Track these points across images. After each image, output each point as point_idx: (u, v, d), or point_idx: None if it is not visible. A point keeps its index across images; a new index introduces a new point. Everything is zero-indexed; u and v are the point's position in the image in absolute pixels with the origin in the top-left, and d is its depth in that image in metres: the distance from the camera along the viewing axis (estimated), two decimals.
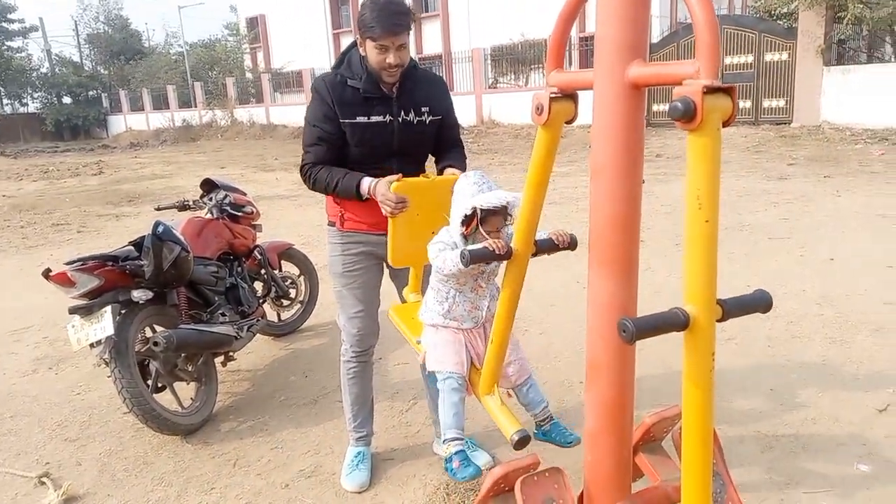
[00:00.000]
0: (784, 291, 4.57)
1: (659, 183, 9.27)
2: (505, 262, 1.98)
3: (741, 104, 15.46)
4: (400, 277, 2.74)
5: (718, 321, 1.42)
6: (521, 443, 1.98)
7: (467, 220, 2.06)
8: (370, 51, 2.34)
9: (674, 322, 1.36)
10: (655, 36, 17.06)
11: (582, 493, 1.75)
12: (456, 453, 2.13)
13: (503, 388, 2.22)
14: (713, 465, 1.66)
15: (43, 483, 2.74)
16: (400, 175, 2.33)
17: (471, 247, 1.96)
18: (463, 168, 2.55)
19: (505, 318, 2.00)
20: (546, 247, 2.03)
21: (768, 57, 14.91)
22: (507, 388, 2.27)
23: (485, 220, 2.04)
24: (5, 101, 39.37)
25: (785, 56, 14.64)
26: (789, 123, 14.50)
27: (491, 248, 1.92)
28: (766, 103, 15.13)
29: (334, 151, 2.45)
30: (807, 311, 4.19)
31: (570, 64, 18.01)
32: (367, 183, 2.35)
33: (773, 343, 3.77)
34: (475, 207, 2.03)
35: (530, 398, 2.25)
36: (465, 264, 1.93)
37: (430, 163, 2.65)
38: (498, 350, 2.06)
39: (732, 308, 1.44)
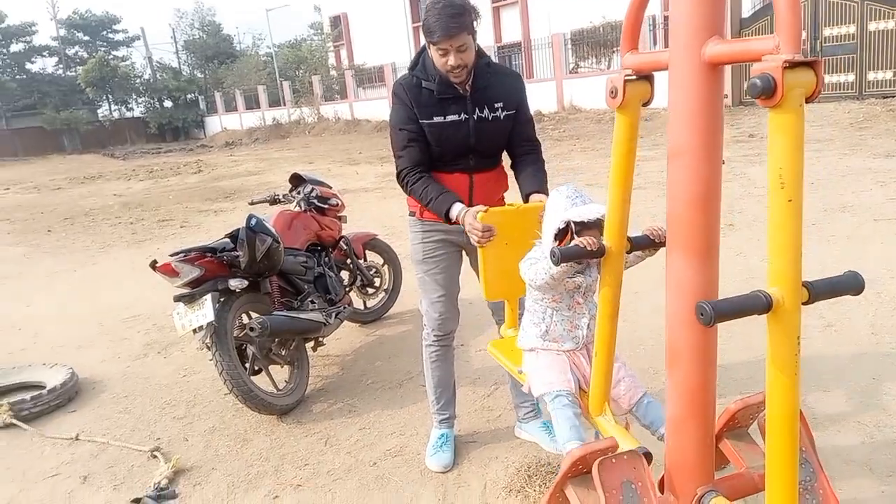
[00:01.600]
0: (891, 276, 4.28)
1: (752, 164, 8.84)
2: (602, 268, 1.89)
3: (843, 78, 14.45)
4: (473, 253, 2.76)
5: (804, 304, 1.38)
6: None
7: (560, 235, 2.00)
8: (434, 54, 2.39)
9: (755, 305, 1.34)
10: (747, 10, 16.19)
11: (662, 478, 1.74)
12: None
13: (620, 416, 2.09)
14: (802, 452, 1.61)
15: (155, 457, 2.98)
16: (486, 207, 2.35)
17: (561, 246, 1.89)
18: (546, 190, 2.51)
19: (607, 324, 1.90)
20: (641, 243, 1.94)
21: (872, 26, 13.83)
22: (624, 415, 2.13)
23: (579, 234, 1.95)
24: (113, 106, 42.28)
25: (891, 24, 13.54)
26: None
27: (582, 245, 1.83)
28: (871, 76, 14.07)
29: (425, 149, 2.50)
30: None
31: (656, 44, 17.39)
32: (455, 210, 2.39)
33: (876, 330, 3.56)
34: (569, 221, 1.97)
35: (651, 417, 2.10)
36: (555, 263, 1.85)
37: (515, 192, 2.63)
38: (604, 362, 1.95)
39: (820, 290, 1.39)
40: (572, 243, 1.88)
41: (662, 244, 1.91)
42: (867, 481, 2.34)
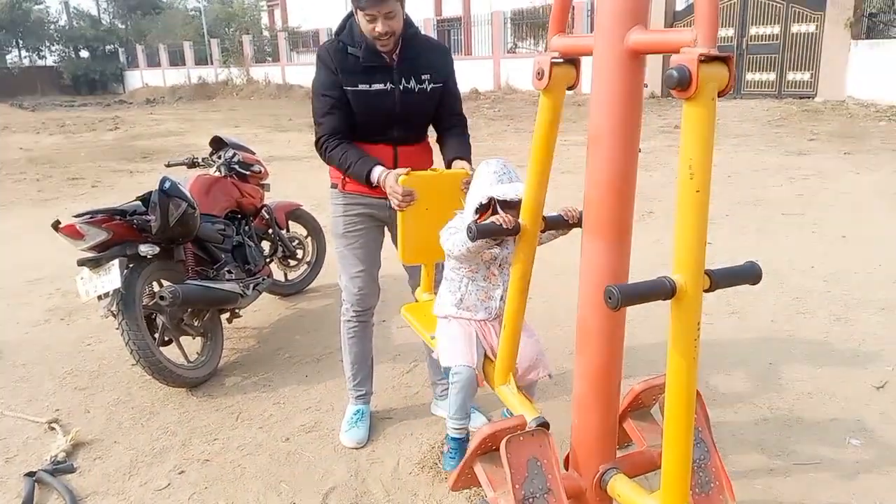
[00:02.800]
0: (792, 267, 4.54)
1: (676, 155, 9.15)
2: (515, 244, 1.94)
3: (765, 77, 15.12)
4: (394, 229, 2.75)
5: (706, 291, 1.43)
6: (521, 416, 1.95)
7: (482, 209, 2.04)
8: (361, 20, 2.34)
9: (660, 290, 1.38)
10: (681, 3, 16.64)
11: (568, 456, 1.79)
12: (452, 440, 2.25)
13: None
14: (697, 431, 1.69)
15: (53, 429, 2.83)
16: (409, 169, 2.32)
17: (478, 222, 1.94)
18: (469, 159, 2.52)
19: (517, 297, 1.97)
20: (555, 223, 2.00)
21: (795, 28, 14.50)
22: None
23: (500, 211, 2.00)
24: (23, 53, 39.40)
25: (812, 28, 14.23)
26: (813, 98, 14.18)
27: (498, 223, 1.88)
28: (790, 76, 14.77)
29: (346, 119, 2.45)
30: (814, 288, 4.18)
31: (592, 30, 17.65)
32: (376, 173, 2.35)
33: (776, 318, 3.77)
34: (491, 197, 2.01)
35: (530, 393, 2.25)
36: (471, 239, 1.90)
37: (438, 158, 2.63)
38: (512, 335, 2.02)
39: (720, 278, 1.45)
40: (489, 220, 1.92)
41: (576, 224, 1.99)
42: (758, 459, 2.49)
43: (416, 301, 2.73)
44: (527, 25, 21.03)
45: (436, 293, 2.55)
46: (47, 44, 38.78)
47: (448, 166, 2.52)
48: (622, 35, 1.47)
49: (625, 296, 1.35)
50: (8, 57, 38.99)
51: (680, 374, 1.42)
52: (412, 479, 2.44)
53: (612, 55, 1.50)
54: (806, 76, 14.54)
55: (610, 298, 1.35)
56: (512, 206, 2.01)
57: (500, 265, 2.22)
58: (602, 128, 1.56)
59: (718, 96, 1.34)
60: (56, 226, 2.96)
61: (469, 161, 2.52)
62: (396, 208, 2.33)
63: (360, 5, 2.28)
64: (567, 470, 1.77)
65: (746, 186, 7.06)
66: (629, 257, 1.64)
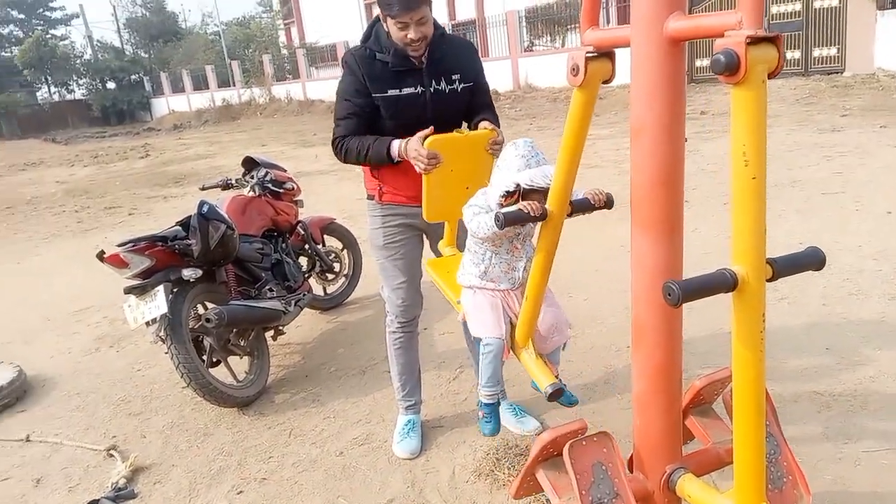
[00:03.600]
0: (839, 248, 4.41)
1: (704, 141, 9.00)
2: (540, 224, 1.97)
3: (789, 55, 14.77)
4: (434, 237, 2.75)
5: (768, 281, 1.39)
6: (555, 395, 2.04)
7: (508, 195, 2.03)
8: (391, 27, 2.32)
9: (721, 283, 1.34)
10: None
11: (631, 457, 1.75)
12: (485, 405, 2.30)
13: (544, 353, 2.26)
14: (766, 426, 1.63)
15: (111, 455, 2.88)
16: (431, 129, 2.30)
17: (505, 209, 1.96)
18: (496, 122, 2.50)
19: (539, 279, 2.02)
20: (582, 206, 2.00)
21: (818, 3, 14.16)
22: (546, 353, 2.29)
23: (526, 195, 2.01)
24: (52, 88, 40.48)
25: (835, 2, 13.89)
26: (841, 72, 13.82)
27: (526, 211, 1.90)
28: (816, 52, 14.43)
29: (365, 125, 2.44)
30: (863, 267, 4.05)
31: (608, 22, 17.48)
32: (397, 145, 2.34)
33: (828, 301, 3.66)
34: (518, 184, 2.01)
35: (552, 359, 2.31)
36: (499, 227, 1.92)
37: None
38: (532, 308, 2.09)
39: (783, 267, 1.40)
40: (516, 207, 1.94)
41: (601, 207, 2.01)
42: (824, 449, 2.41)
43: (440, 255, 2.75)
44: (542, 22, 20.91)
45: (458, 248, 2.60)
46: (75, 78, 39.72)
47: (473, 129, 2.49)
48: (661, 23, 1.44)
49: (685, 291, 1.31)
50: (38, 94, 40.13)
51: (747, 369, 1.38)
52: (470, 488, 2.42)
53: (652, 44, 1.47)
54: (832, 51, 14.18)
55: (670, 295, 1.32)
56: (538, 191, 2.01)
57: (522, 239, 2.25)
58: (645, 120, 1.53)
59: (769, 78, 1.29)
60: (101, 256, 3.01)
61: (497, 124, 2.48)
62: (422, 172, 2.30)
63: (392, 13, 2.27)
64: (632, 472, 1.73)
65: (781, 168, 6.89)
66: (682, 251, 1.60)
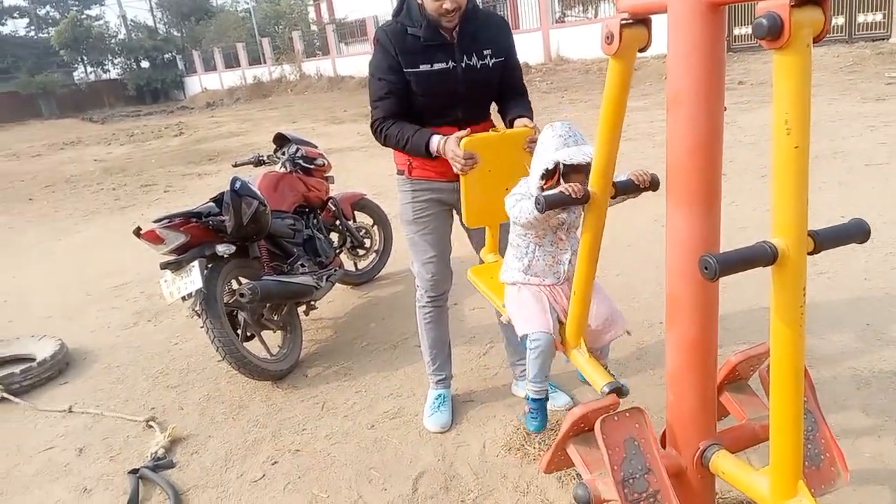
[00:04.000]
0: (882, 221, 4.27)
1: (742, 112, 8.75)
2: (583, 209, 1.90)
3: (833, 21, 14.23)
4: (473, 231, 2.72)
5: (809, 254, 1.34)
6: (612, 394, 1.91)
7: (548, 175, 1.98)
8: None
9: (761, 256, 1.29)
10: None
11: (664, 433, 1.73)
12: (533, 401, 2.22)
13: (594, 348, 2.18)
14: (804, 402, 1.60)
15: (150, 426, 2.96)
16: (469, 130, 2.28)
17: (545, 193, 1.88)
18: (529, 110, 2.47)
19: (587, 268, 1.94)
20: (626, 188, 1.92)
21: None
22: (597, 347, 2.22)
23: (567, 175, 1.95)
24: (88, 68, 41.14)
25: None
26: (887, 39, 13.27)
27: (567, 192, 1.83)
28: (860, 18, 13.86)
29: (403, 102, 2.42)
30: None
31: None
32: (435, 141, 2.32)
33: (869, 276, 3.55)
34: (557, 162, 1.95)
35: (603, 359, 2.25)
36: (540, 210, 1.85)
37: (497, 118, 2.58)
38: (581, 301, 2.00)
39: (825, 239, 1.35)
40: (557, 189, 1.87)
41: (647, 188, 1.93)
42: (864, 425, 2.36)
43: (482, 262, 2.71)
44: None
45: (501, 254, 2.52)
46: (110, 57, 40.28)
47: (510, 127, 2.45)
48: None
49: (722, 265, 1.27)
50: (75, 74, 40.82)
51: (786, 345, 1.34)
52: (500, 462, 2.43)
53: (690, 9, 1.41)
54: (878, 17, 13.62)
55: (707, 269, 1.28)
56: (579, 169, 1.95)
57: (567, 229, 2.18)
58: (682, 89, 1.48)
59: (813, 42, 1.24)
60: (137, 232, 3.07)
61: (531, 118, 2.44)
62: (459, 172, 2.28)
63: None
64: (665, 448, 1.71)
65: (823, 138, 6.67)
66: (719, 225, 1.56)
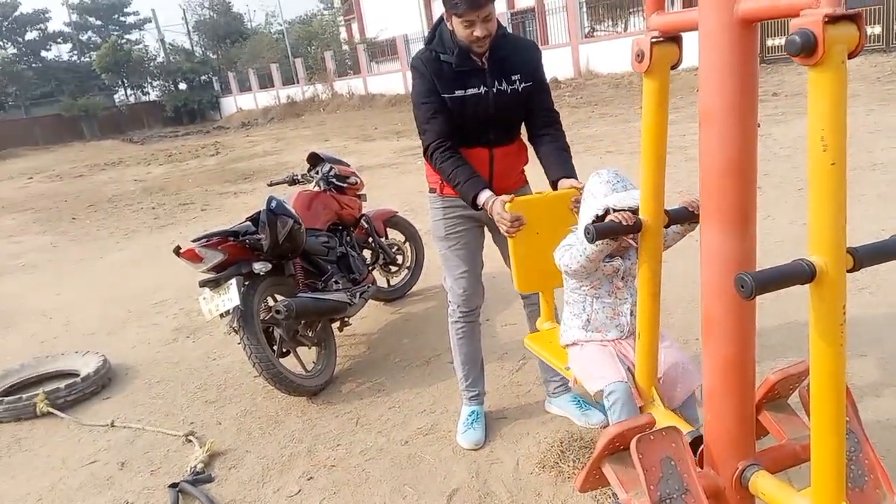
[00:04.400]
0: None
1: (777, 124, 8.62)
2: (639, 244, 1.85)
3: (869, 30, 13.96)
4: (500, 237, 2.73)
5: (849, 271, 1.32)
6: (694, 444, 1.74)
7: (598, 222, 1.92)
8: (457, 26, 2.33)
9: (798, 274, 1.28)
10: None
11: (702, 453, 1.71)
12: None
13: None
14: (846, 422, 1.56)
15: (190, 441, 3.02)
16: (513, 196, 2.29)
17: (596, 223, 1.83)
18: (573, 172, 2.43)
19: (649, 302, 1.84)
20: (679, 216, 1.85)
21: None
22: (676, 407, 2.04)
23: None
24: (128, 91, 42.46)
25: None
26: None
27: (617, 220, 1.78)
28: None
29: (450, 121, 2.44)
30: None
31: (673, 5, 16.94)
32: (484, 197, 2.33)
33: None
34: (608, 207, 1.90)
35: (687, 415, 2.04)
36: (590, 240, 1.80)
37: (540, 173, 2.57)
38: (648, 343, 1.89)
39: (865, 256, 1.33)
40: (608, 219, 1.84)
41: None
42: None
43: (538, 331, 2.64)
44: (603, 7, 20.47)
45: (556, 321, 2.45)
46: (149, 80, 41.58)
47: (553, 187, 2.45)
48: (731, 4, 1.39)
49: (759, 283, 1.26)
50: (115, 96, 42.17)
51: (826, 364, 1.32)
52: (534, 479, 2.41)
53: (722, 27, 1.41)
54: None
55: (743, 287, 1.27)
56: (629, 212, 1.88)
57: (622, 277, 2.11)
58: (714, 106, 1.48)
59: (848, 58, 1.23)
60: (177, 251, 3.15)
61: (574, 177, 2.43)
62: (506, 234, 2.29)
63: (458, 12, 2.27)
64: (703, 468, 1.69)
65: (861, 150, 6.53)
66: (755, 242, 1.55)
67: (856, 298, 3.45)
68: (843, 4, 1.23)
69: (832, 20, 1.18)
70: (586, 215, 1.96)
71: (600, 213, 1.92)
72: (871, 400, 2.58)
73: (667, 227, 1.86)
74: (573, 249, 1.99)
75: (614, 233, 1.82)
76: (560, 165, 2.47)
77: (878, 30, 13.84)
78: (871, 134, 7.24)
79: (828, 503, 1.38)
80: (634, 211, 1.85)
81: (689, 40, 1.51)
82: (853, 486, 1.60)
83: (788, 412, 1.82)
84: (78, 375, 3.70)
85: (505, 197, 2.28)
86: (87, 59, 41.20)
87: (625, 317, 2.13)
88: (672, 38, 1.65)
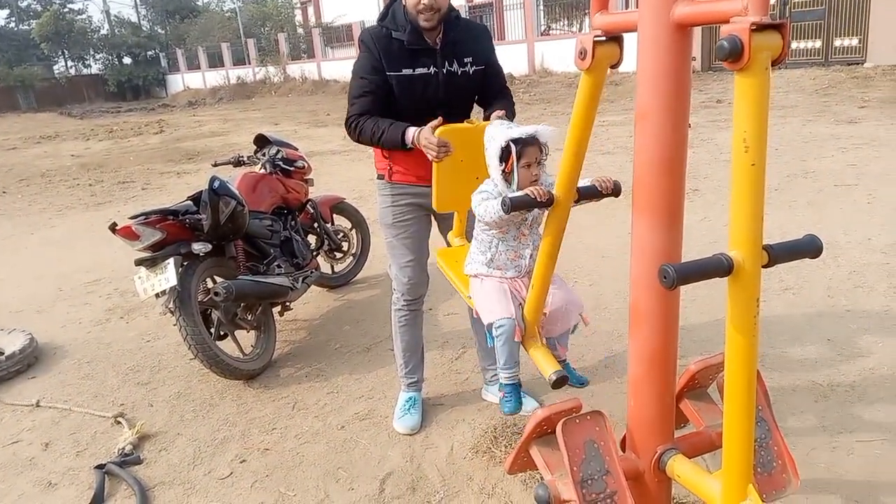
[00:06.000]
0: (847, 240, 4.39)
1: (720, 130, 8.93)
2: (546, 210, 1.99)
3: (810, 44, 14.58)
4: (446, 225, 2.77)
5: (764, 267, 1.40)
6: (559, 382, 2.04)
7: (504, 157, 2.08)
8: None
9: (717, 267, 1.35)
10: None
11: (624, 437, 1.78)
12: (506, 386, 2.28)
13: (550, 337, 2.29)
14: (757, 410, 1.66)
15: (119, 422, 2.94)
16: (440, 119, 2.32)
17: (512, 194, 1.97)
18: (511, 109, 2.53)
19: (545, 265, 2.04)
20: (589, 193, 2.01)
21: None
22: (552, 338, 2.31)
23: (521, 154, 2.06)
24: (69, 63, 40.61)
25: None
26: (862, 63, 13.63)
27: (532, 196, 1.92)
28: (837, 42, 14.23)
29: (380, 103, 2.46)
30: (871, 260, 4.03)
31: (627, 6, 17.29)
32: (411, 132, 2.36)
33: (832, 293, 3.66)
34: (508, 141, 2.06)
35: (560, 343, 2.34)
36: (506, 211, 1.94)
37: (478, 113, 2.64)
38: (538, 296, 2.11)
39: (779, 253, 1.42)
40: (523, 192, 1.95)
41: (609, 194, 2.03)
42: (820, 437, 2.43)
43: (449, 245, 2.77)
44: (560, 6, 20.72)
45: (467, 239, 2.60)
46: (91, 52, 39.81)
47: (487, 119, 2.50)
48: (668, 8, 1.44)
49: (680, 274, 1.33)
50: (55, 67, 40.27)
51: (739, 353, 1.40)
52: (467, 464, 2.46)
53: (659, 29, 1.47)
54: (854, 41, 13.98)
55: (665, 277, 1.34)
56: (530, 145, 2.06)
57: (529, 225, 2.26)
58: (650, 105, 1.54)
59: (772, 66, 1.30)
60: (113, 228, 3.06)
61: (511, 114, 2.51)
62: (433, 160, 2.32)
63: None
64: (624, 452, 1.76)
65: (795, 158, 6.84)
66: (682, 236, 1.62)
67: (780, 297, 3.64)
68: (770, 14, 1.31)
69: (759, 28, 1.25)
70: (492, 154, 2.10)
71: (503, 145, 2.06)
72: (787, 393, 2.73)
73: (576, 203, 2.00)
74: (489, 203, 2.08)
75: (528, 206, 1.96)
76: (500, 104, 2.52)
77: (818, 44, 14.46)
78: (805, 143, 7.58)
79: (736, 485, 1.47)
80: (533, 140, 2.05)
81: (632, 43, 1.56)
82: (762, 471, 1.69)
83: (707, 401, 1.92)
84: (2, 353, 3.56)
85: (435, 122, 2.30)
86: (26, 27, 39.21)
87: (524, 259, 2.27)
88: (614, 38, 1.71)
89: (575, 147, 1.82)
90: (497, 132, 2.10)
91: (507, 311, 2.20)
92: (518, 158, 2.05)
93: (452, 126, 2.35)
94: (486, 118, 2.51)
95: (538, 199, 1.92)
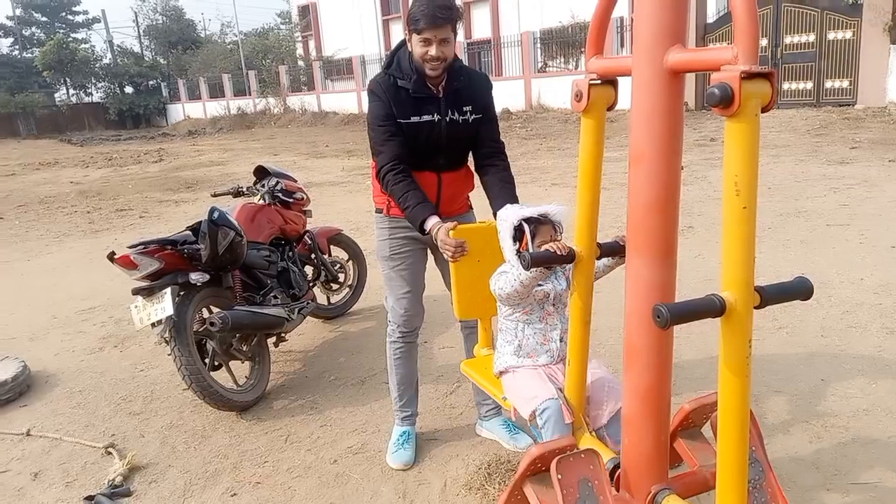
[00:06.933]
0: (840, 280, 4.43)
1: (713, 168, 9.04)
2: (572, 275, 1.92)
3: (801, 86, 14.85)
4: (442, 259, 2.79)
5: (756, 308, 1.42)
6: (614, 472, 1.79)
7: (518, 237, 2.06)
8: (415, 44, 2.41)
9: (709, 308, 1.37)
10: (711, 15, 16.52)
11: (618, 476, 1.78)
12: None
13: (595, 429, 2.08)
14: (751, 451, 1.66)
15: (109, 453, 2.91)
16: (456, 223, 2.35)
17: (532, 251, 1.92)
18: (515, 198, 2.52)
19: (579, 329, 1.92)
20: (611, 249, 1.95)
21: (831, 35, 14.25)
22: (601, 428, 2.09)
23: (535, 233, 2.04)
24: (71, 91, 40.98)
25: (849, 34, 13.96)
26: (853, 105, 13.87)
27: (552, 250, 1.86)
28: (828, 84, 14.50)
29: (405, 145, 2.49)
30: (864, 300, 4.06)
31: (623, 47, 17.62)
32: (431, 223, 2.38)
33: (826, 332, 3.68)
34: (521, 220, 2.05)
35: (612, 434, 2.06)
36: (525, 267, 1.86)
37: (488, 208, 2.63)
38: (577, 371, 1.96)
39: (771, 295, 1.44)
40: (543, 248, 1.92)
41: None
42: (814, 479, 2.42)
43: (475, 357, 2.69)
44: (556, 44, 21.11)
45: (493, 348, 2.50)
46: (93, 81, 40.24)
47: (496, 217, 2.52)
48: (661, 55, 1.49)
49: (674, 314, 1.35)
50: (56, 95, 40.63)
51: (732, 393, 1.41)
52: (460, 501, 2.44)
53: (652, 75, 1.52)
54: (845, 83, 14.25)
55: (659, 317, 1.36)
56: (542, 223, 2.05)
57: (553, 303, 2.20)
58: (643, 148, 1.58)
59: (762, 112, 1.34)
60: (111, 257, 3.07)
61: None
62: (450, 260, 2.35)
63: (417, 28, 2.36)
64: (618, 491, 1.76)
65: (788, 198, 6.93)
66: (675, 275, 1.64)
67: (774, 336, 3.65)
68: (761, 56, 1.35)
69: (749, 76, 1.29)
70: (505, 235, 2.08)
71: (516, 223, 2.05)
72: (781, 434, 2.72)
73: (599, 258, 1.95)
74: (507, 275, 2.07)
75: (549, 261, 1.89)
76: (504, 197, 2.53)
77: (809, 85, 14.73)
78: (798, 183, 7.68)
79: None
80: (546, 220, 2.01)
81: (627, 86, 1.61)
82: None
83: (701, 440, 1.92)
84: None
85: (449, 224, 2.33)
86: (30, 55, 39.68)
87: (555, 342, 2.19)
88: (609, 81, 1.76)
89: (588, 194, 1.81)
90: (509, 213, 2.09)
91: (549, 392, 2.02)
92: (532, 238, 2.03)
93: (467, 226, 2.38)
94: (496, 216, 2.47)
95: (558, 253, 1.86)
